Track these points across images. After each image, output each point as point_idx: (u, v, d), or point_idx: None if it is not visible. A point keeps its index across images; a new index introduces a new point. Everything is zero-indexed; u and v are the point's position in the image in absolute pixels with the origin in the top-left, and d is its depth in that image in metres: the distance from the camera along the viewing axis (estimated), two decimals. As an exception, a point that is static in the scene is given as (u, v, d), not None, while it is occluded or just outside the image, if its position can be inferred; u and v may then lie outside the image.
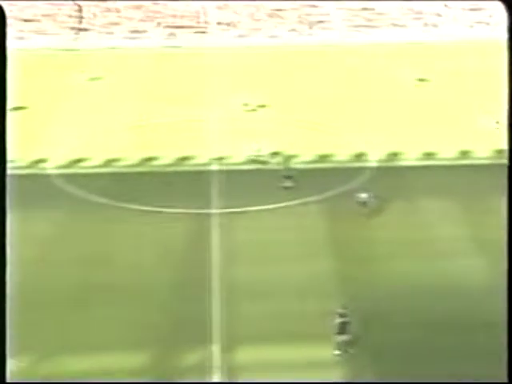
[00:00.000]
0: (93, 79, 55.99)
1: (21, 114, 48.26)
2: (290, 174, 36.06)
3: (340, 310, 23.48)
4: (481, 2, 71.92)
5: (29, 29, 70.32)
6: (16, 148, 41.15)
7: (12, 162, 42.96)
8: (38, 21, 71.42)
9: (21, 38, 68.36)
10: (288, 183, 35.68)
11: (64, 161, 40.29)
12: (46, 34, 70.23)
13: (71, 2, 73.75)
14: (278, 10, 72.97)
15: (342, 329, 23.06)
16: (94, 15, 73.18)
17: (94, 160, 40.53)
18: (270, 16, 72.40)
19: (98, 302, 26.42)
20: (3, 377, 11.96)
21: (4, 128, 12.78)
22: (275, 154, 40.25)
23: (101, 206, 34.60)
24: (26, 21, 71.11)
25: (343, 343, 23.11)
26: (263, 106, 49.08)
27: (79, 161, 40.58)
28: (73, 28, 71.94)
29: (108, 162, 40.29)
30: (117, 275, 28.29)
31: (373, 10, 72.35)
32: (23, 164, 39.58)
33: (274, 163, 39.29)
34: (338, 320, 23.22)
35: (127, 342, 24.20)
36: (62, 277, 28.15)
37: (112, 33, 71.21)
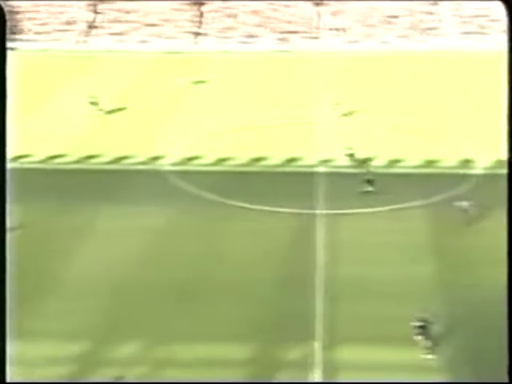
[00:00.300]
0: (202, 82, 58.10)
1: (136, 113, 51.30)
2: (371, 178, 36.45)
3: (430, 315, 23.69)
4: (482, 2, 71.89)
5: (151, 33, 73.84)
6: (134, 145, 44.15)
7: (130, 157, 45.73)
8: (161, 25, 74.81)
9: (144, 42, 72.16)
10: (369, 187, 36.27)
11: (178, 158, 42.37)
12: (166, 37, 73.53)
13: (195, 8, 76.81)
14: (391, 16, 73.09)
15: (435, 333, 23.27)
16: (213, 20, 75.86)
17: (206, 158, 42.33)
18: (382, 22, 72.68)
19: (206, 295, 27.48)
20: (3, 377, 12.78)
21: (4, 127, 13.45)
22: (371, 158, 40.88)
23: (211, 203, 36.01)
24: (148, 25, 74.75)
25: (436, 347, 23.33)
26: (369, 110, 49.74)
27: (192, 159, 42.58)
28: (192, 32, 74.89)
29: (219, 161, 42.01)
30: (224, 271, 29.38)
31: (487, 16, 71.27)
32: (141, 160, 42.23)
33: (378, 167, 40.02)
34: (431, 325, 23.48)
35: (231, 335, 24.90)
36: (172, 270, 29.48)
37: (228, 37, 73.73)
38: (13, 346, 23.15)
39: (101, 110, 50.70)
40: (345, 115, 48.45)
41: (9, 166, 47.76)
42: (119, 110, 51.88)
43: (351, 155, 40.50)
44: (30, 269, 28.86)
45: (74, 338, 24.74)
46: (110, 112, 51.11)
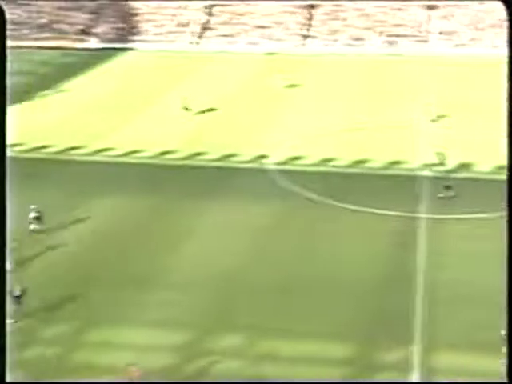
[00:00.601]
0: (307, 83, 58.95)
1: (243, 112, 52.64)
2: (450, 184, 36.17)
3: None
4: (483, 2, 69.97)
5: (261, 35, 75.41)
6: (240, 143, 45.47)
7: (236, 155, 47.08)
8: (271, 27, 76.25)
9: (253, 43, 73.90)
10: (449, 192, 36.03)
11: (283, 158, 43.28)
12: (275, 40, 74.89)
13: (306, 11, 77.85)
14: (502, 20, 71.48)
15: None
16: (322, 22, 76.64)
17: (309, 159, 43.03)
18: (493, 26, 71.21)
19: (307, 293, 27.85)
20: (3, 377, 13.10)
21: (4, 125, 13.86)
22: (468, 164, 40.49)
23: (314, 202, 36.56)
24: (258, 27, 76.40)
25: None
26: (478, 115, 49.20)
27: (296, 158, 43.42)
28: (300, 35, 75.93)
29: (323, 162, 42.57)
30: (326, 269, 29.75)
31: None
32: (246, 158, 43.51)
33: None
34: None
35: (330, 333, 25.16)
36: (274, 267, 30.10)
37: (335, 40, 74.34)
38: (123, 333, 24.88)
39: (211, 109, 52.45)
40: (441, 119, 48.10)
41: (121, 160, 49.56)
42: (227, 108, 53.48)
43: (441, 160, 40.41)
44: (141, 261, 30.49)
45: (179, 327, 25.59)
46: (216, 110, 52.68)
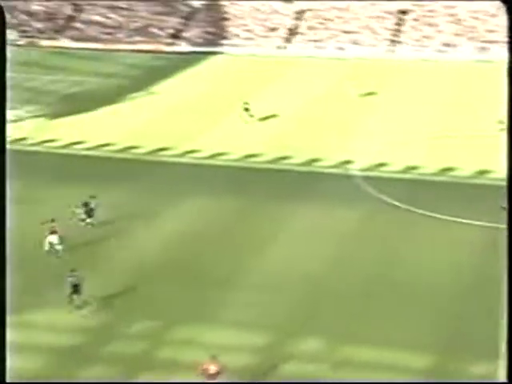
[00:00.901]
0: (394, 88, 58.47)
1: (328, 117, 52.68)
2: None
3: None
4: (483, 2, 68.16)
5: (349, 40, 75.30)
6: (325, 148, 45.59)
7: (321, 160, 47.07)
8: (359, 33, 76.04)
9: (341, 49, 73.90)
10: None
11: (367, 164, 43.13)
12: (363, 45, 74.62)
13: (396, 16, 77.27)
14: None
15: None
16: (413, 28, 75.87)
17: (394, 166, 42.80)
18: None
19: (388, 299, 27.76)
20: (3, 377, 13.16)
21: (4, 124, 13.93)
22: None
23: (397, 209, 36.42)
24: (345, 32, 76.32)
25: None
26: None
27: (381, 165, 43.23)
28: (389, 40, 75.37)
29: (408, 169, 42.29)
30: (407, 276, 29.58)
31: None
32: (331, 163, 43.60)
33: None
34: None
35: (411, 342, 24.92)
36: (357, 272, 30.16)
37: (425, 46, 73.43)
38: (205, 331, 25.44)
39: (294, 113, 52.79)
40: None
41: (208, 162, 50.44)
42: (311, 113, 53.71)
43: None
44: (225, 262, 31.07)
45: (259, 328, 25.96)
46: (301, 114, 52.99)
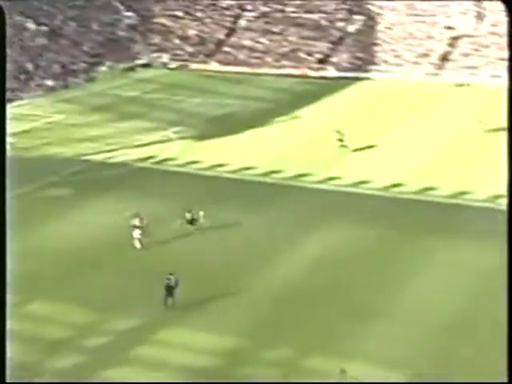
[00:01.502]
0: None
1: (479, 148, 50.20)
2: None
3: None
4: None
5: (505, 67, 71.87)
6: (474, 181, 43.45)
7: (469, 193, 44.73)
8: None
9: (496, 76, 70.33)
10: None
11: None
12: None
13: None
14: None
15: None
16: None
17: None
18: None
19: None
20: (3, 377, 12.58)
21: (4, 124, 13.31)
22: None
23: None
24: (502, 59, 72.87)
25: None
26: None
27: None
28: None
29: None
30: None
31: None
32: (481, 197, 41.64)
33: None
34: None
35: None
36: (496, 309, 28.51)
37: None
38: (334, 363, 24.62)
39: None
40: None
41: (349, 189, 49.53)
42: (458, 142, 51.62)
43: None
44: (366, 292, 30.56)
45: (392, 365, 25.27)
46: (445, 144, 51.04)
